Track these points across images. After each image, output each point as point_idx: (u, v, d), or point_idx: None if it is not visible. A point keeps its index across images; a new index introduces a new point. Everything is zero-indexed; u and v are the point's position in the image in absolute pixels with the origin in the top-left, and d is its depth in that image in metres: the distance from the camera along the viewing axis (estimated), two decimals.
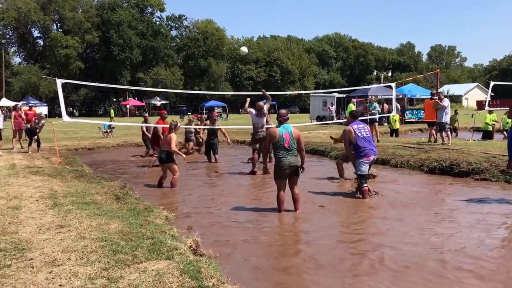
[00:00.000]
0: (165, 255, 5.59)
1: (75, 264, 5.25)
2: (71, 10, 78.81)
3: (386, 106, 32.70)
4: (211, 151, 17.33)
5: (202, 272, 5.07)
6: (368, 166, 10.39)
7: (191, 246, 6.27)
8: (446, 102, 17.52)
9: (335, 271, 5.90)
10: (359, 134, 10.37)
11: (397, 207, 9.41)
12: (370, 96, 26.49)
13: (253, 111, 14.76)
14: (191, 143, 19.41)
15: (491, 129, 22.10)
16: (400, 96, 39.70)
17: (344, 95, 40.71)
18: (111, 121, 37.35)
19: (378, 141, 19.34)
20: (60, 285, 4.69)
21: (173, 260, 5.41)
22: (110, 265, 5.19)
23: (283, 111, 9.49)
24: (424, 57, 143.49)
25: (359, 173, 10.28)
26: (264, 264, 6.23)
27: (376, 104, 21.46)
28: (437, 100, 17.42)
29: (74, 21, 77.89)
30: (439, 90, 19.57)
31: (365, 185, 10.21)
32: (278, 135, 8.85)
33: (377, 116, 20.50)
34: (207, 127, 17.55)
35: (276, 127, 9.08)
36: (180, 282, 4.79)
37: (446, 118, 17.32)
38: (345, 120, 15.56)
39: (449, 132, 17.58)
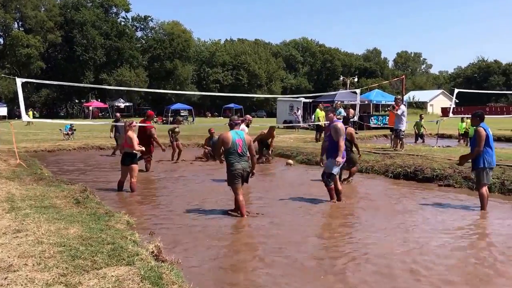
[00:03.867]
0: (126, 261, 5.48)
1: (32, 269, 5.08)
2: (33, 9, 77.04)
3: (351, 111, 32.90)
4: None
5: (164, 278, 5.01)
6: (339, 168, 10.45)
7: (153, 252, 6.18)
8: (401, 109, 17.90)
9: (301, 273, 5.96)
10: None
11: (356, 211, 9.72)
12: (336, 102, 26.63)
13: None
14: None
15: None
16: (366, 102, 39.97)
17: (311, 100, 40.81)
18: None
19: None
20: None
21: (134, 266, 5.30)
22: (69, 271, 5.04)
23: (234, 117, 9.91)
24: (390, 64, 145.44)
25: (331, 172, 10.18)
26: (226, 269, 6.23)
27: (341, 110, 21.57)
28: (397, 107, 17.93)
29: (36, 20, 76.18)
30: (404, 97, 19.78)
31: (332, 185, 10.26)
32: (232, 141, 9.02)
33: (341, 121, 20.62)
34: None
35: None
36: None
37: (401, 125, 17.70)
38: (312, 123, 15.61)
39: (403, 139, 17.98)
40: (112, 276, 4.96)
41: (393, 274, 5.97)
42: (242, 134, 9.28)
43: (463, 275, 5.99)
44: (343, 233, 8.10)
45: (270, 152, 18.03)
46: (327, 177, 10.24)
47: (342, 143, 10.13)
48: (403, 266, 6.26)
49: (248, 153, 9.27)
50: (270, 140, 18.04)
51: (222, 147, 9.15)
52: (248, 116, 15.13)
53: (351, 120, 20.50)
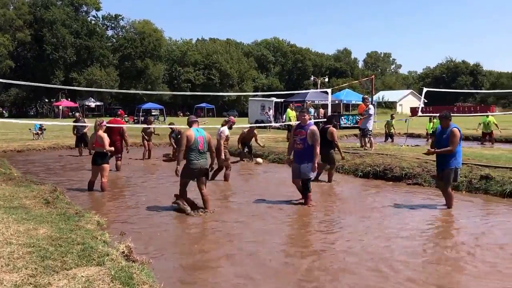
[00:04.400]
0: (96, 261, 5.45)
1: (0, 270, 5.02)
2: (1, 7, 75.70)
3: (322, 111, 33.23)
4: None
5: (134, 278, 5.00)
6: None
7: (123, 252, 6.14)
8: (371, 110, 18.14)
9: (269, 271, 6.03)
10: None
11: (325, 210, 9.81)
12: (306, 101, 26.81)
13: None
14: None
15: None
16: (336, 102, 40.30)
17: (282, 100, 41.00)
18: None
19: None
20: None
21: (104, 266, 5.27)
22: (38, 272, 4.99)
23: (192, 116, 10.30)
24: (360, 64, 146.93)
25: (310, 177, 10.20)
26: (196, 268, 6.28)
27: (311, 109, 21.72)
28: (365, 108, 18.02)
29: (4, 18, 74.89)
30: (373, 97, 20.04)
31: (310, 189, 10.23)
32: (194, 138, 9.33)
33: (312, 121, 20.71)
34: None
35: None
36: None
37: (369, 125, 17.92)
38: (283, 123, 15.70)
39: (371, 138, 18.16)
40: (82, 276, 4.92)
41: (360, 273, 6.06)
42: (202, 132, 9.60)
43: (427, 273, 6.07)
44: (311, 232, 8.23)
45: (251, 152, 18.23)
46: (307, 183, 10.15)
47: (318, 149, 10.11)
48: (371, 265, 6.35)
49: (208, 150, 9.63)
50: (254, 140, 18.22)
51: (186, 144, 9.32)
52: (232, 117, 15.08)
53: (321, 120, 20.71)
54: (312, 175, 10.31)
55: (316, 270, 6.19)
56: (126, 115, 60.27)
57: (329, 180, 13.33)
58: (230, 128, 13.95)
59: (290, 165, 10.62)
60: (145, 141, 19.12)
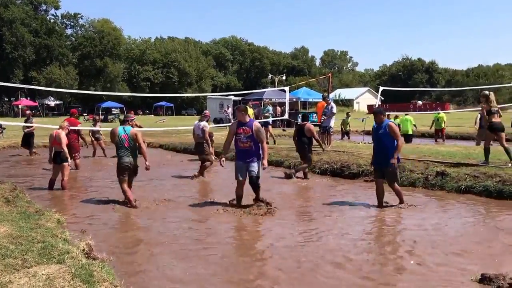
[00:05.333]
0: (56, 259, 5.49)
1: None
2: None
3: (279, 109, 33.96)
4: None
5: (95, 276, 5.06)
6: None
7: (84, 250, 6.22)
8: (335, 108, 18.37)
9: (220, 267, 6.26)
10: None
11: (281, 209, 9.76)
12: (264, 99, 27.47)
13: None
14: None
15: (411, 132, 23.19)
16: (294, 100, 41.09)
17: (240, 98, 41.52)
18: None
19: (274, 142, 20.26)
20: None
21: (65, 264, 5.32)
22: None
23: (129, 114, 11.55)
24: (318, 62, 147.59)
25: (259, 176, 9.84)
26: (158, 265, 6.39)
27: (269, 107, 22.39)
28: (326, 106, 18.14)
29: None
30: (330, 95, 20.68)
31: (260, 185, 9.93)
32: (118, 136, 10.09)
33: (270, 119, 21.40)
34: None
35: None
36: (71, 286, 4.75)
37: (332, 123, 18.20)
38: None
39: (330, 136, 18.24)
40: (42, 274, 4.96)
41: (301, 271, 6.17)
42: (128, 130, 10.17)
43: (374, 271, 6.14)
44: (259, 228, 8.45)
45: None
46: (257, 181, 9.75)
47: (266, 145, 9.97)
48: (319, 261, 6.52)
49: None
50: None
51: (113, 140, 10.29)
52: (206, 111, 15.48)
53: (278, 118, 21.36)
54: (261, 173, 9.88)
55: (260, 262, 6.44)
56: (86, 114, 60.37)
57: (306, 177, 13.47)
58: (207, 121, 14.37)
59: (222, 165, 9.87)
60: (94, 141, 19.48)
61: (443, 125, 25.50)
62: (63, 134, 12.06)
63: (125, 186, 10.04)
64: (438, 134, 25.80)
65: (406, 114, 24.52)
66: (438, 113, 26.45)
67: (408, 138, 22.20)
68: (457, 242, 7.25)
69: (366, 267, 6.25)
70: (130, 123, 10.88)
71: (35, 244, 6.03)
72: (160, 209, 9.76)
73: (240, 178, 9.68)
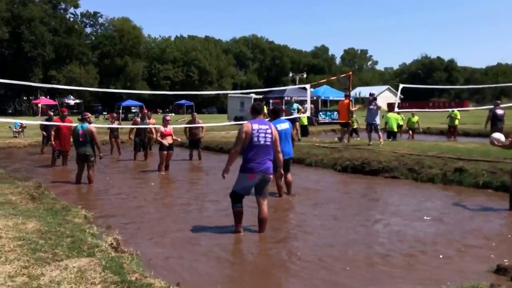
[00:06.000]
0: (86, 253, 5.58)
1: None
2: None
3: (312, 106, 33.71)
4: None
5: (125, 268, 5.13)
6: (248, 187, 7.58)
7: (111, 244, 6.29)
8: (380, 103, 18.22)
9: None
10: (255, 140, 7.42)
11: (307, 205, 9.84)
12: (291, 98, 27.05)
13: None
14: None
15: (395, 129, 22.95)
16: (315, 98, 40.65)
17: (261, 96, 41.20)
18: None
19: (299, 140, 20.07)
20: None
21: (95, 257, 5.41)
22: (30, 263, 5.12)
23: (86, 112, 13.72)
24: (338, 60, 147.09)
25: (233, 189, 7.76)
26: (184, 258, 6.43)
27: (296, 105, 21.84)
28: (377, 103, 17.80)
29: None
30: (351, 93, 20.28)
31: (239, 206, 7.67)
32: (75, 131, 12.40)
33: (295, 115, 20.96)
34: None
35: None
36: (103, 277, 4.80)
37: (377, 119, 17.83)
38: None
39: (380, 133, 17.89)
40: (73, 267, 5.06)
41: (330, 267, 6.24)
42: (84, 127, 12.25)
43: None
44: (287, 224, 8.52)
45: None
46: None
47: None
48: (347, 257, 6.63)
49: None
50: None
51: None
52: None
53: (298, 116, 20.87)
54: (236, 187, 7.67)
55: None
56: (105, 113, 60.19)
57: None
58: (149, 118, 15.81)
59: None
60: (112, 139, 19.52)
61: (456, 123, 25.46)
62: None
63: (80, 173, 12.43)
64: (450, 131, 25.69)
65: (398, 113, 24.05)
66: (452, 111, 26.27)
67: (392, 134, 22.22)
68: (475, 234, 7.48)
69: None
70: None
71: (64, 238, 6.15)
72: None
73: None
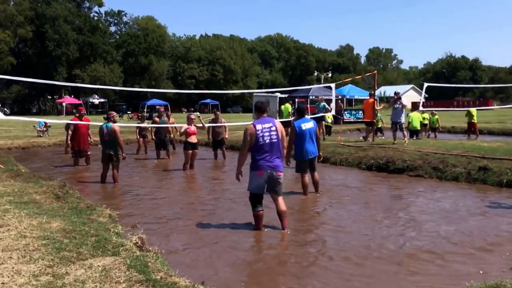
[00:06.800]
0: (111, 252, 5.58)
1: (17, 262, 5.15)
2: (1, 3, 74.76)
3: (341, 104, 33.77)
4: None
5: (150, 267, 5.12)
6: (261, 184, 7.63)
7: (136, 243, 6.27)
8: (404, 101, 18.06)
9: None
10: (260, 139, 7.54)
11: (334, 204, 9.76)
12: (319, 96, 26.97)
13: None
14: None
15: (419, 128, 22.90)
16: (340, 97, 40.36)
17: (286, 95, 40.98)
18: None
19: (324, 139, 20.07)
20: (2, 283, 4.58)
21: (120, 256, 5.42)
22: (55, 263, 5.12)
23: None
24: (363, 59, 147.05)
25: (249, 191, 7.85)
26: (212, 258, 6.36)
27: (324, 104, 21.62)
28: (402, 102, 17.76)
29: (5, 14, 73.79)
30: (376, 92, 20.09)
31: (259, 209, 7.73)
32: (101, 131, 12.47)
33: (321, 114, 20.79)
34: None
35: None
36: (127, 276, 4.80)
37: (402, 118, 17.77)
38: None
39: (404, 131, 17.95)
40: (98, 266, 5.06)
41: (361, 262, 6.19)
42: (109, 126, 12.18)
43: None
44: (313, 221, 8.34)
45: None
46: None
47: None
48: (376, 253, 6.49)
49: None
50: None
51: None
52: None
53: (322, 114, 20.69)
54: (251, 187, 7.77)
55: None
56: (130, 112, 60.43)
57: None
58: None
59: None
60: (139, 139, 19.33)
61: (474, 120, 25.18)
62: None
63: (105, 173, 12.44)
64: (470, 129, 25.33)
65: (422, 112, 24.23)
66: (468, 110, 26.15)
67: (415, 133, 22.35)
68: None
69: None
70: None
71: (88, 238, 6.16)
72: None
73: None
